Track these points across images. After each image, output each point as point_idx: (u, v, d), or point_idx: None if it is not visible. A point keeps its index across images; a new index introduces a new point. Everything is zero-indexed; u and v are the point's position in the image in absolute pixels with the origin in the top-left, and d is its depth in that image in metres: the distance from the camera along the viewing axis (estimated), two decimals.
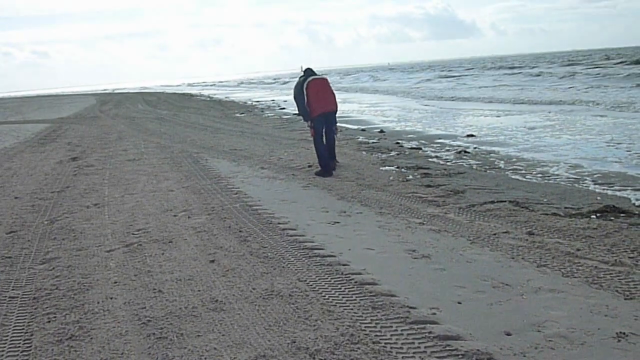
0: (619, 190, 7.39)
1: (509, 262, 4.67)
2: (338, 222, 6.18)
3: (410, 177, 8.62)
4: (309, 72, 9.34)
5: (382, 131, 15.52)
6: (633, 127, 13.59)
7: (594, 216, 6.00)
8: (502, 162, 9.96)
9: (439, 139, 13.55)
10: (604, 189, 7.51)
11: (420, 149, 11.91)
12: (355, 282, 4.38)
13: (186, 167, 10.33)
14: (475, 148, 11.71)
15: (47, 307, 4.30)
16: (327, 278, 4.50)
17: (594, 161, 9.65)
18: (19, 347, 3.70)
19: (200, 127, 18.27)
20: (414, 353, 3.27)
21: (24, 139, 17.48)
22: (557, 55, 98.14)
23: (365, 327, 3.61)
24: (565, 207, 6.44)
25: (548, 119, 16.62)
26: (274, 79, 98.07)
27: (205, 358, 3.35)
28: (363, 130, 15.92)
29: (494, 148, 11.63)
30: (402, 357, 3.23)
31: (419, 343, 3.38)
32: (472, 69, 66.38)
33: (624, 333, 3.36)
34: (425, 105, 25.21)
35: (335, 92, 9.66)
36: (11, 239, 6.31)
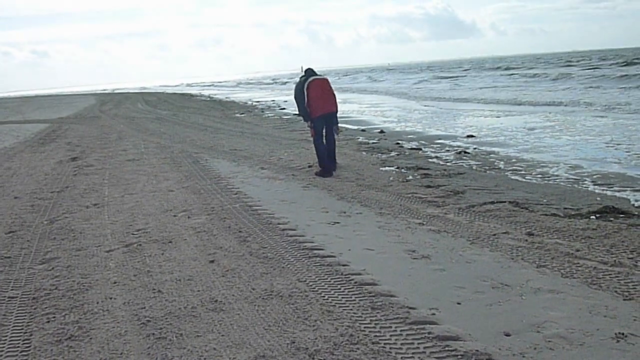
0: (619, 191, 7.40)
1: (508, 262, 4.67)
2: (338, 223, 6.17)
3: (410, 177, 8.62)
4: (309, 72, 9.31)
5: (382, 131, 15.52)
6: (633, 127, 13.60)
7: (593, 217, 6.00)
8: (502, 162, 9.96)
9: (439, 139, 13.55)
10: (603, 190, 7.51)
11: (420, 149, 11.91)
12: (355, 282, 4.38)
13: (186, 167, 10.33)
14: (475, 149, 11.71)
15: (46, 307, 4.30)
16: (326, 278, 4.50)
17: (594, 162, 9.65)
18: (18, 347, 3.70)
19: (200, 127, 18.27)
20: (413, 353, 3.27)
21: (24, 139, 17.48)
22: (557, 56, 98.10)
23: (364, 327, 3.61)
24: (565, 208, 6.44)
25: (548, 119, 16.62)
26: (273, 80, 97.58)
27: (205, 358, 3.35)
28: (363, 130, 15.92)
29: (493, 149, 11.63)
30: (402, 358, 3.23)
31: (418, 343, 3.38)
32: (469, 69, 66.36)
33: (623, 334, 3.36)
34: (425, 105, 25.21)
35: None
36: (10, 239, 6.31)
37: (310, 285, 4.37)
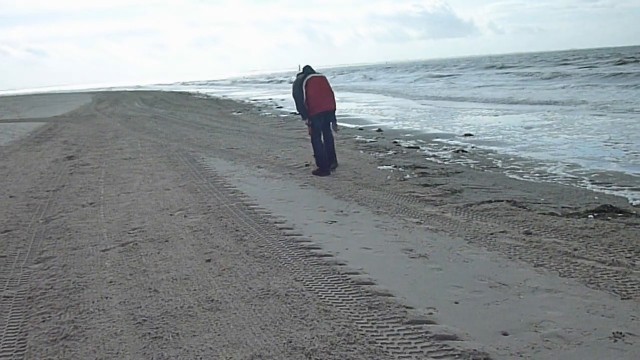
0: (617, 190, 7.39)
1: (506, 261, 4.66)
2: (335, 222, 6.16)
3: (408, 176, 8.61)
4: (308, 69, 9.26)
5: (379, 130, 15.51)
6: (631, 126, 13.61)
7: (591, 216, 6.00)
8: (500, 161, 9.95)
9: (437, 138, 13.54)
10: (601, 189, 7.51)
11: (418, 148, 11.90)
12: (352, 281, 4.36)
13: (182, 166, 10.30)
14: (472, 147, 11.70)
15: (41, 307, 4.27)
16: (323, 278, 4.49)
17: (592, 161, 9.65)
18: (13, 346, 3.68)
19: (197, 126, 18.23)
20: (410, 353, 3.26)
21: (19, 138, 17.41)
22: (554, 55, 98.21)
23: (361, 327, 3.60)
24: (563, 207, 6.44)
25: (546, 118, 16.63)
26: (268, 78, 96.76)
27: (201, 358, 3.33)
28: (360, 129, 15.91)
29: (491, 147, 11.63)
30: (399, 357, 3.22)
31: (416, 343, 3.36)
32: (465, 68, 66.38)
33: (621, 333, 3.35)
34: (423, 104, 25.21)
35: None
36: (6, 238, 6.27)
37: (307, 285, 4.35)
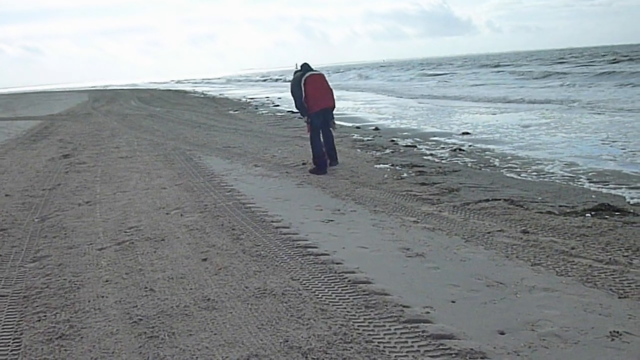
0: (614, 189, 7.39)
1: (503, 260, 4.66)
2: (332, 220, 6.14)
3: (405, 175, 8.60)
4: (306, 67, 9.20)
5: (377, 129, 15.49)
6: (629, 125, 13.62)
7: (588, 214, 5.99)
8: (497, 160, 9.95)
9: (434, 136, 13.53)
10: (598, 187, 7.51)
11: (415, 146, 11.89)
12: (349, 280, 4.35)
13: (179, 165, 10.27)
14: (470, 146, 11.70)
15: (37, 306, 4.25)
16: (320, 277, 4.47)
17: (589, 159, 9.65)
18: (9, 346, 3.65)
19: (193, 124, 18.19)
20: (407, 352, 3.24)
21: (15, 136, 17.35)
22: (551, 53, 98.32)
23: (358, 326, 3.59)
24: (560, 206, 6.44)
25: (543, 116, 16.64)
26: (262, 77, 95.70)
27: (197, 357, 3.32)
28: (358, 127, 15.89)
29: (489, 146, 11.62)
30: (396, 356, 3.20)
31: (413, 342, 3.35)
32: (461, 66, 66.41)
33: (618, 332, 3.35)
34: (419, 102, 25.20)
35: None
36: (1, 237, 6.24)
37: (304, 284, 4.34)
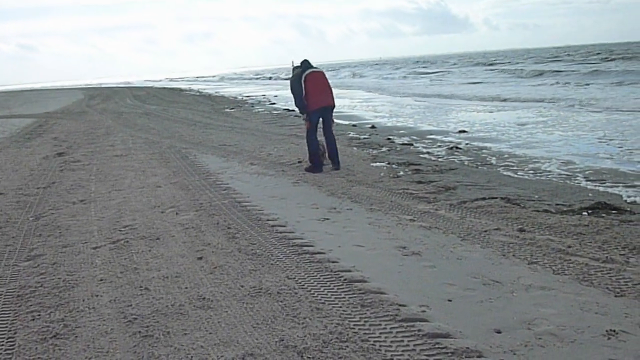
0: (611, 187, 7.39)
1: (499, 259, 4.65)
2: (328, 219, 6.12)
3: (401, 173, 8.59)
4: (306, 64, 9.00)
5: (373, 127, 15.48)
6: (626, 123, 13.63)
7: (585, 213, 5.99)
8: (494, 158, 9.95)
9: (431, 134, 13.53)
10: (595, 186, 7.52)
11: (412, 144, 11.88)
12: (345, 279, 4.33)
13: (174, 163, 10.24)
14: (467, 144, 11.70)
15: (31, 305, 4.22)
16: (316, 275, 4.45)
17: (586, 157, 9.66)
18: (2, 345, 3.63)
19: (189, 123, 18.15)
20: (403, 351, 3.23)
21: (10, 134, 17.29)
22: (547, 51, 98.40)
23: (354, 325, 3.57)
24: (557, 204, 6.43)
25: (540, 114, 16.65)
26: (255, 75, 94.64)
27: (192, 356, 3.30)
28: (354, 125, 15.87)
29: (486, 144, 11.63)
30: (391, 355, 3.19)
31: (409, 341, 3.34)
32: (456, 64, 66.44)
33: (614, 330, 3.34)
34: (416, 101, 25.19)
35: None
36: None
37: (300, 283, 4.32)
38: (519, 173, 8.57)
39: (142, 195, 7.73)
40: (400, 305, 3.82)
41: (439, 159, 9.96)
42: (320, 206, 6.68)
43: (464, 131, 13.79)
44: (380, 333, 3.45)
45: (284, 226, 5.87)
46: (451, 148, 11.15)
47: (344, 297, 4.01)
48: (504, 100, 22.61)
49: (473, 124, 15.20)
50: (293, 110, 20.42)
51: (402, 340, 3.35)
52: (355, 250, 5.05)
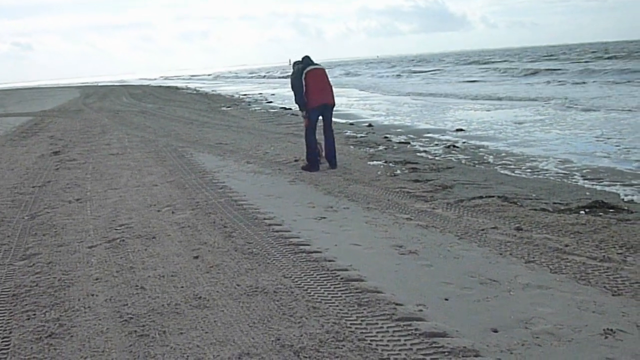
0: (608, 186, 7.40)
1: (496, 258, 4.64)
2: (324, 218, 6.11)
3: (398, 171, 8.58)
4: (307, 60, 8.89)
5: (370, 125, 15.47)
6: (625, 122, 13.65)
7: (582, 212, 5.99)
8: (491, 156, 9.95)
9: (428, 133, 13.53)
10: (593, 184, 7.53)
11: (409, 143, 11.88)
12: (341, 278, 4.32)
13: (171, 162, 10.21)
14: (464, 142, 11.70)
15: (26, 304, 4.20)
16: (312, 274, 4.44)
17: (583, 156, 9.67)
18: None
19: (185, 121, 18.11)
20: (400, 350, 3.22)
21: (5, 132, 17.23)
22: (545, 49, 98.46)
23: (350, 324, 3.56)
24: (554, 203, 6.43)
25: (538, 113, 16.68)
26: (250, 73, 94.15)
27: (188, 356, 3.28)
28: (351, 124, 15.87)
29: (483, 142, 11.63)
30: (388, 355, 3.17)
31: (405, 340, 3.33)
32: (451, 63, 66.48)
33: (612, 329, 3.33)
34: (414, 99, 25.19)
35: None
36: None
37: (296, 282, 4.30)
38: (516, 172, 8.57)
39: (138, 194, 7.70)
40: (397, 304, 3.81)
41: (436, 158, 9.96)
42: (317, 205, 6.67)
43: (461, 130, 13.79)
44: (377, 332, 3.43)
45: (281, 225, 5.85)
46: (448, 147, 11.16)
47: (340, 296, 3.99)
48: (502, 99, 22.64)
49: (470, 123, 15.21)
50: (290, 109, 20.40)
51: (399, 340, 3.33)
52: (352, 249, 5.04)
